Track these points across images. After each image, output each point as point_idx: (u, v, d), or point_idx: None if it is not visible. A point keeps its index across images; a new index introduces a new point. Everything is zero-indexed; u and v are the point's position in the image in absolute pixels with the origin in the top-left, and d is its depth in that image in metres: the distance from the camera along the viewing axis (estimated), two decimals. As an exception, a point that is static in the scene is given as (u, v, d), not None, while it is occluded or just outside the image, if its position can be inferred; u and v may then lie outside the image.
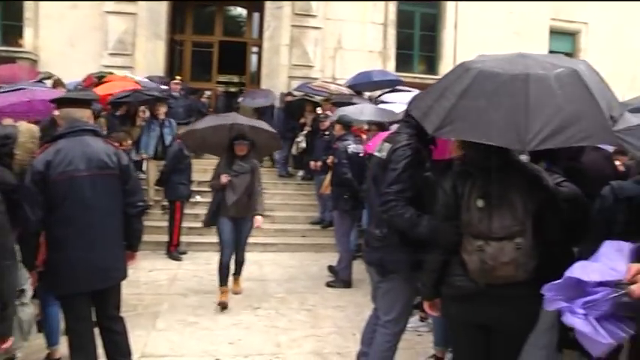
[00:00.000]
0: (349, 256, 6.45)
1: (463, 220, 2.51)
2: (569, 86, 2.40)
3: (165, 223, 7.64)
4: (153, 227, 7.90)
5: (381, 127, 6.75)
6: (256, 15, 13.27)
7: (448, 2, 13.42)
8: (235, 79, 17.15)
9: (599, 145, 3.74)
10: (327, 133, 8.35)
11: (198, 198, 8.52)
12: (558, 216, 2.58)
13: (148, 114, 8.66)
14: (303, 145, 9.89)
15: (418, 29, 13.66)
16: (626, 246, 2.21)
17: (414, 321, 4.93)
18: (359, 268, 5.86)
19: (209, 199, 6.02)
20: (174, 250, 7.49)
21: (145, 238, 7.29)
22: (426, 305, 2.97)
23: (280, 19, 12.13)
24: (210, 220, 5.62)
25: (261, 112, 10.83)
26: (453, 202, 2.59)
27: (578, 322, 2.04)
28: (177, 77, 11.07)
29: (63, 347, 3.60)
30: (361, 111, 7.48)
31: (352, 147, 6.31)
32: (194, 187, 8.03)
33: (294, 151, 10.29)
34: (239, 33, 14.20)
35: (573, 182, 2.97)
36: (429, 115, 2.60)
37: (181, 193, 7.54)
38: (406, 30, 13.47)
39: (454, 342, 3.03)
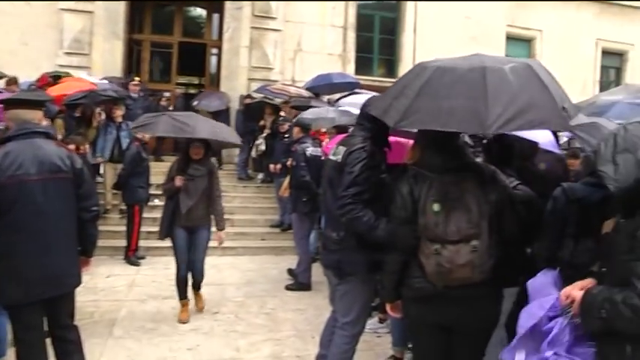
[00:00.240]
0: (308, 258, 6.47)
1: (420, 224, 2.55)
2: (523, 77, 2.52)
3: (123, 228, 7.50)
4: (110, 232, 7.77)
5: (340, 129, 6.79)
6: (216, 16, 13.14)
7: (408, 6, 13.60)
8: (195, 80, 16.94)
9: (552, 150, 3.87)
10: (286, 135, 8.35)
11: (156, 202, 8.37)
12: (516, 214, 2.66)
13: (103, 116, 8.47)
14: (263, 147, 9.87)
15: (378, 32, 13.81)
16: (550, 274, 2.35)
17: (373, 322, 4.98)
18: (318, 271, 5.86)
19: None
20: (132, 254, 7.36)
21: (103, 243, 7.24)
22: (387, 307, 3.01)
23: (240, 21, 12.07)
24: (166, 231, 5.16)
25: (217, 115, 10.75)
26: (410, 206, 2.63)
27: None
28: (136, 78, 10.87)
29: None
30: (326, 113, 7.50)
31: (311, 150, 6.34)
32: (152, 191, 7.90)
33: (253, 153, 10.27)
34: (199, 34, 14.03)
35: (526, 183, 3.06)
36: (389, 111, 2.65)
37: (140, 197, 7.41)
38: (366, 33, 13.60)
39: (414, 343, 3.08)
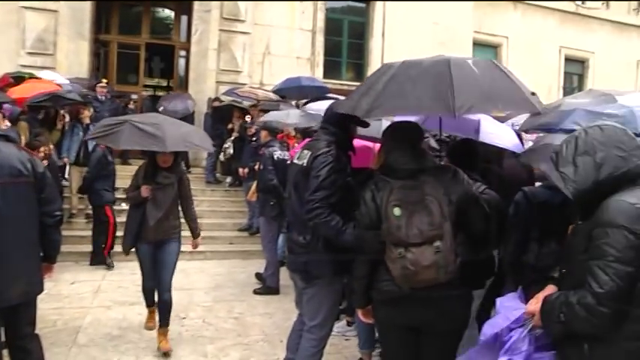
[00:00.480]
0: (276, 262, 6.44)
1: (383, 229, 2.57)
2: (487, 70, 2.70)
3: (89, 233, 7.37)
4: (76, 237, 7.63)
5: (307, 133, 6.80)
6: (184, 17, 13.03)
7: (377, 11, 13.71)
8: (163, 83, 16.75)
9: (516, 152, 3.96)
10: (253, 139, 8.33)
11: (123, 205, 8.23)
12: (480, 210, 2.69)
13: (68, 118, 8.30)
14: (231, 151, 9.83)
15: (346, 37, 13.91)
16: (519, 294, 2.42)
17: (341, 326, 5.01)
18: (286, 275, 5.83)
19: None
20: (107, 254, 7.24)
21: (68, 248, 7.11)
22: (359, 313, 3.03)
23: (208, 23, 11.99)
24: (131, 245, 4.62)
25: (182, 120, 10.60)
26: (374, 212, 2.66)
27: None
28: (104, 80, 10.64)
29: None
30: (287, 115, 7.49)
31: (278, 153, 6.33)
32: (119, 195, 7.76)
33: (221, 157, 10.20)
34: (167, 35, 13.88)
35: (490, 186, 3.12)
36: (358, 107, 2.74)
37: (108, 198, 7.32)
38: (334, 37, 13.68)
39: (384, 345, 3.10)
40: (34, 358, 3.21)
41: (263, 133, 6.76)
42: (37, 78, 8.92)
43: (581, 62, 17.56)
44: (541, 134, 5.03)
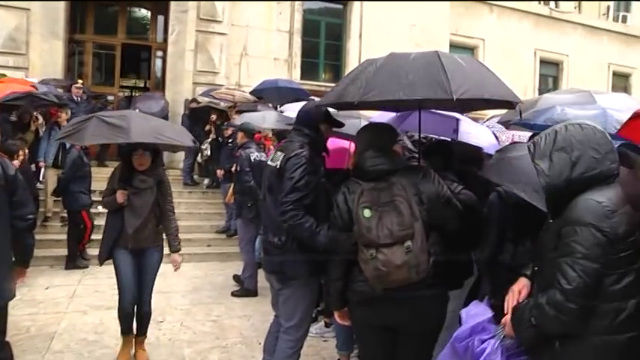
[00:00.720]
0: (254, 264, 6.42)
1: (354, 231, 2.58)
2: (472, 63, 2.85)
3: (65, 236, 7.26)
4: (51, 241, 7.52)
5: (285, 135, 6.80)
6: (161, 18, 12.93)
7: (354, 13, 13.75)
8: (140, 83, 16.57)
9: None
10: (230, 140, 8.30)
11: (100, 208, 8.13)
12: (454, 209, 2.72)
13: (41, 120, 8.17)
14: (208, 152, 9.80)
15: (324, 38, 13.93)
16: (483, 304, 2.51)
17: (319, 327, 5.02)
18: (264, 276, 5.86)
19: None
20: (81, 247, 7.17)
21: (43, 252, 7.01)
22: (335, 315, 3.03)
23: (185, 24, 11.90)
24: (107, 253, 4.24)
25: (156, 120, 10.52)
26: (346, 215, 2.68)
27: None
28: (79, 81, 10.48)
29: None
30: (263, 118, 7.47)
31: (255, 155, 6.31)
32: (95, 197, 7.65)
33: (199, 158, 10.15)
34: (143, 36, 13.72)
35: (468, 187, 3.14)
36: (346, 94, 2.78)
37: (84, 202, 7.24)
38: (312, 38, 13.68)
39: (360, 345, 3.11)
40: None
41: (240, 135, 6.72)
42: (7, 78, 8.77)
43: (556, 64, 17.89)
44: (519, 133, 5.16)
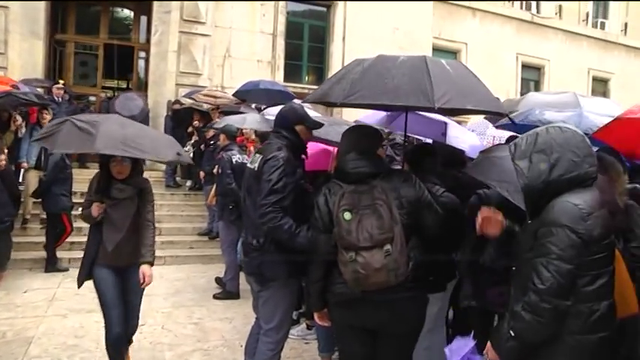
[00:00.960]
0: (236, 267, 6.37)
1: (334, 233, 2.60)
2: (459, 69, 2.86)
3: (44, 239, 7.16)
4: (30, 243, 7.42)
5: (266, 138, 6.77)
6: (144, 18, 12.86)
7: (337, 15, 13.79)
8: (123, 84, 16.44)
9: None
10: (211, 142, 8.27)
11: (80, 210, 8.05)
12: (434, 213, 2.74)
13: (20, 120, 8.06)
14: (190, 154, 9.70)
15: (307, 40, 13.95)
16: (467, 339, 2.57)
17: (300, 329, 5.03)
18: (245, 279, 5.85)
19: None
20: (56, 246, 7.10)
21: (22, 255, 6.93)
22: (315, 316, 3.04)
23: (168, 24, 11.83)
24: (87, 273, 3.78)
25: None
26: (327, 217, 2.69)
27: None
28: (60, 81, 10.35)
29: None
30: (244, 120, 7.42)
31: (237, 157, 6.29)
32: (76, 199, 7.57)
33: (181, 160, 10.05)
34: (126, 36, 13.61)
35: (450, 190, 3.18)
36: (331, 93, 2.79)
37: (64, 205, 7.14)
38: (295, 41, 13.68)
39: (340, 347, 3.13)
40: None
41: (222, 137, 6.70)
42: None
43: (537, 69, 18.13)
44: (499, 134, 5.26)
